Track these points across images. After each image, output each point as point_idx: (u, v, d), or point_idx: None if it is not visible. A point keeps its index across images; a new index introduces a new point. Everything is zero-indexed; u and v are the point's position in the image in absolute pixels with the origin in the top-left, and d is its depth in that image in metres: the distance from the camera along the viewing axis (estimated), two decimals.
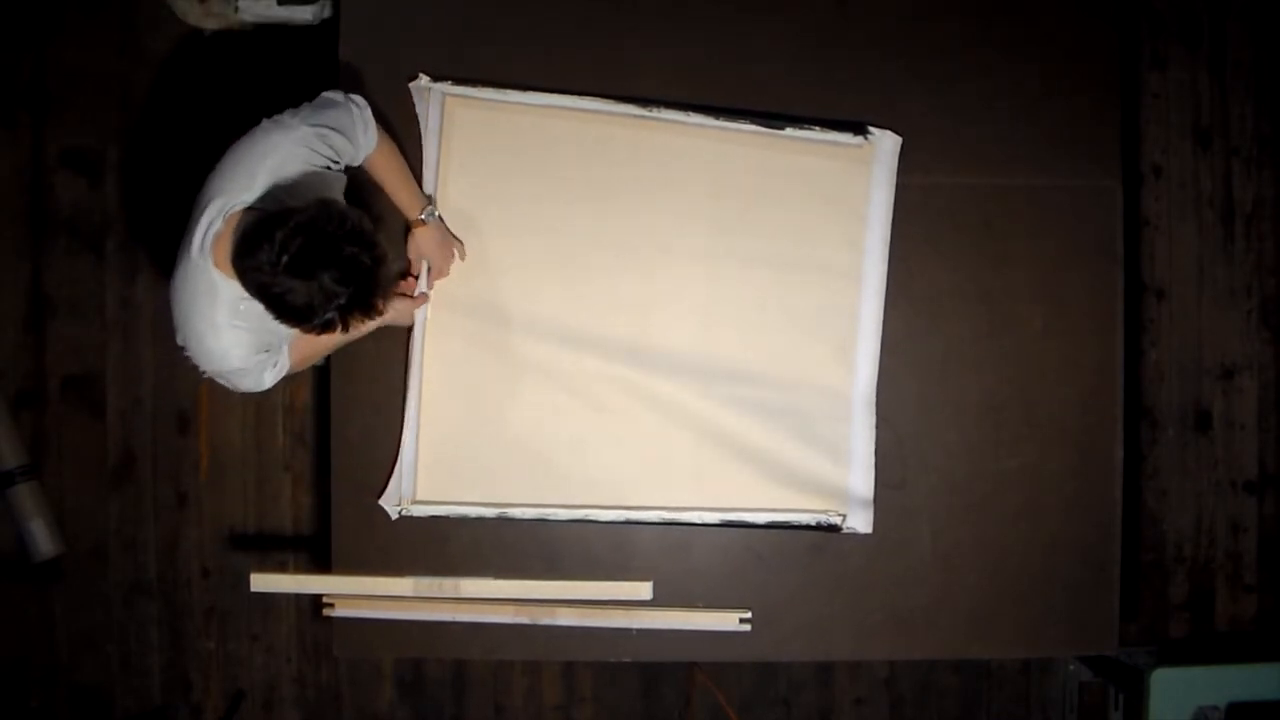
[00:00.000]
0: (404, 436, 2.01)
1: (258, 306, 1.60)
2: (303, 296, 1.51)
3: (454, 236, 2.00)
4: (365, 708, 2.86)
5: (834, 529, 2.03)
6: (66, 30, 2.78)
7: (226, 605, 2.82)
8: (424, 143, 2.01)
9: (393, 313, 1.91)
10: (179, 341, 1.71)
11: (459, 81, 2.00)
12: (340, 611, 2.00)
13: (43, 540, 2.72)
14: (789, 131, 2.03)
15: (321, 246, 1.50)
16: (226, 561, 2.81)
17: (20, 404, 2.78)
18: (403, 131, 2.00)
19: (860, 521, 2.03)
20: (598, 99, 2.02)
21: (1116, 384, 2.08)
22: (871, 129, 2.03)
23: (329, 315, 1.54)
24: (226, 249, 1.60)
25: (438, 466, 2.03)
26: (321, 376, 2.72)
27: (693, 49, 2.06)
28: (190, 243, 1.65)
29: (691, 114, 2.02)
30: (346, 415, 2.05)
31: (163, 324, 2.79)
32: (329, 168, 1.74)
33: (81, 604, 2.80)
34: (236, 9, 2.64)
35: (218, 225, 1.62)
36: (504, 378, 2.03)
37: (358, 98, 1.79)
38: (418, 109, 2.01)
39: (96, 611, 2.81)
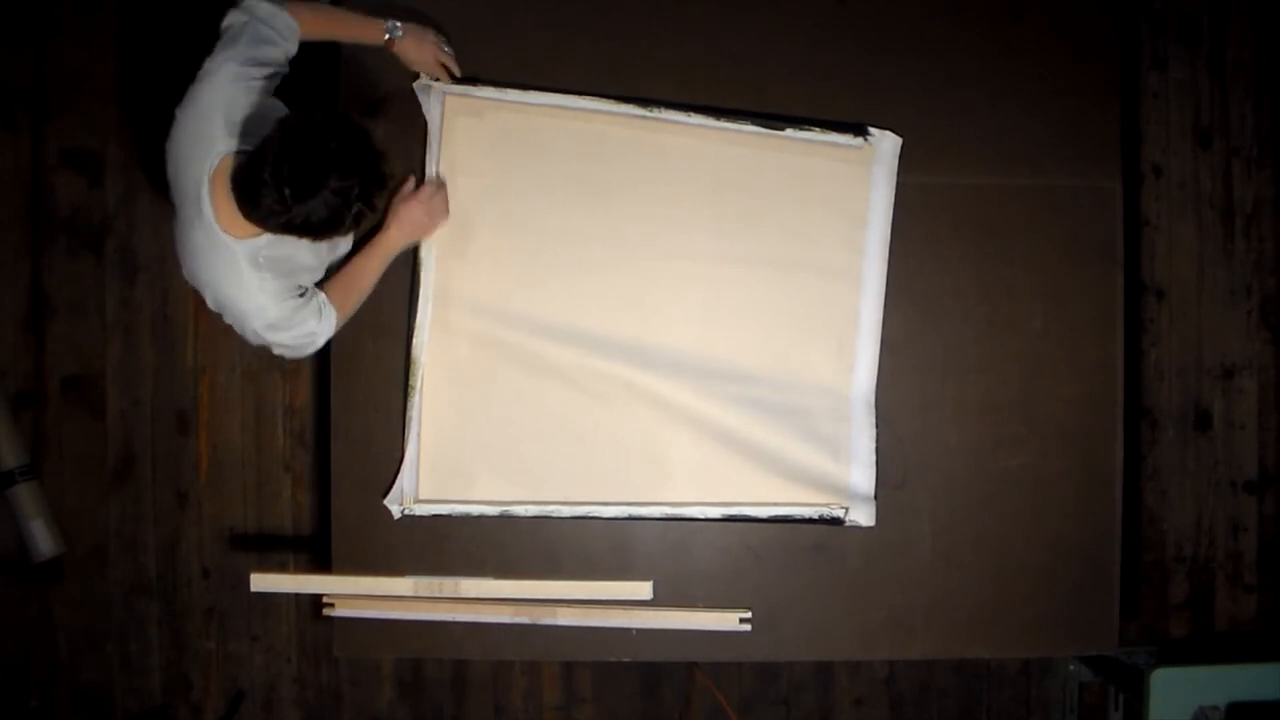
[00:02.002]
0: (406, 436, 2.02)
1: (275, 253, 1.64)
2: (323, 210, 1.53)
3: (433, 33, 1.95)
4: (365, 708, 2.86)
5: (836, 522, 2.03)
6: (66, 30, 2.78)
7: (226, 605, 2.82)
8: (425, 142, 2.01)
9: (414, 220, 1.93)
10: (212, 308, 1.74)
11: (459, 81, 2.00)
12: (340, 611, 2.00)
13: (43, 540, 2.72)
14: (789, 132, 2.03)
15: (309, 158, 1.51)
16: (226, 561, 2.81)
17: (20, 404, 2.78)
18: (403, 131, 2.01)
19: (862, 515, 2.03)
20: (598, 99, 2.02)
21: (1116, 384, 2.08)
22: (871, 130, 2.03)
23: (356, 209, 1.56)
24: (227, 209, 1.61)
25: (439, 465, 2.03)
26: (321, 376, 2.72)
27: (693, 49, 2.06)
28: (186, 217, 1.66)
29: (692, 114, 2.02)
30: (346, 415, 2.05)
31: (163, 324, 2.80)
32: (275, 75, 1.75)
33: (81, 604, 2.80)
34: None
35: (206, 189, 1.63)
36: (505, 376, 2.03)
37: (250, 4, 1.76)
38: (422, 108, 2.01)
39: (96, 611, 2.81)
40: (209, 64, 1.71)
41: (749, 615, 2.03)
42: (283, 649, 2.84)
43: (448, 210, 2.00)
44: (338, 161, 1.52)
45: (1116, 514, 2.08)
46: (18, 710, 2.80)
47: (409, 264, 2.01)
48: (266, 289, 1.70)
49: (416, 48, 1.92)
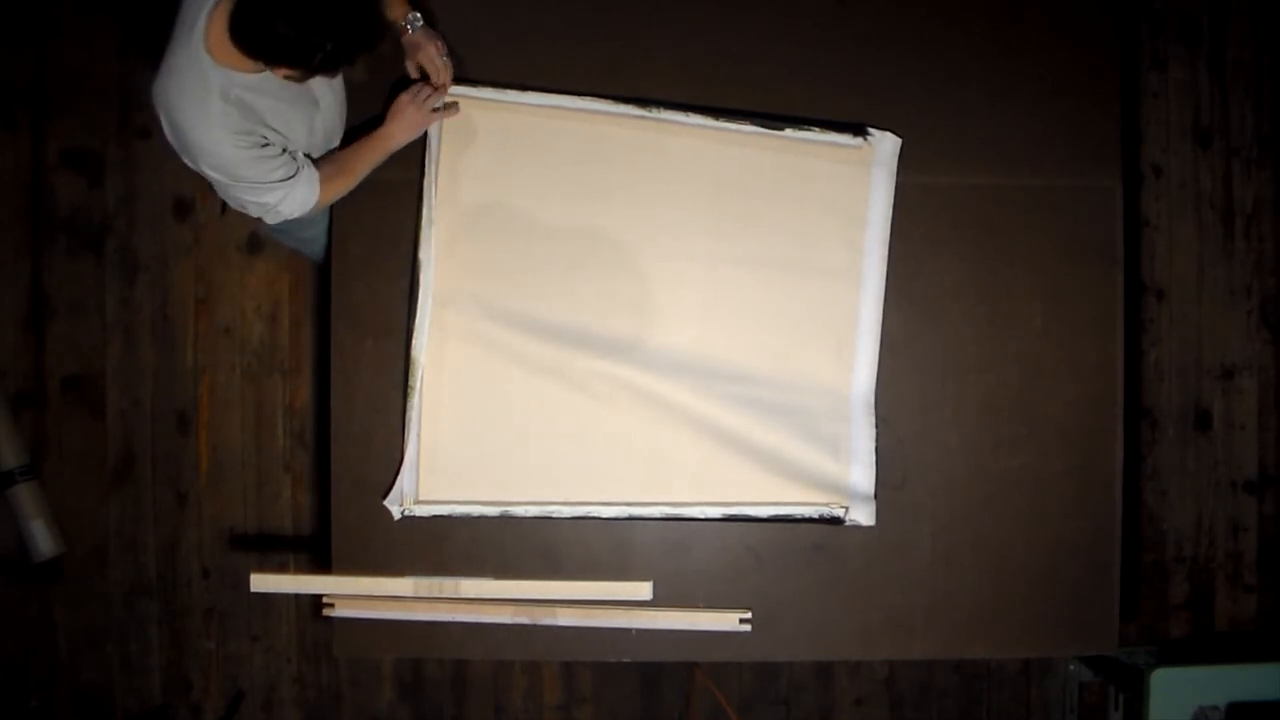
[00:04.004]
0: (406, 436, 2.02)
1: (248, 97, 1.63)
2: (301, 22, 1.52)
3: (440, 37, 1.94)
4: (365, 708, 2.86)
5: (837, 521, 2.03)
6: (66, 30, 2.78)
7: (226, 605, 2.82)
8: (426, 142, 2.01)
9: (412, 115, 1.92)
10: (169, 139, 1.71)
11: (459, 81, 2.00)
12: (340, 611, 2.00)
13: (43, 540, 2.72)
14: (789, 132, 2.03)
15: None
16: (226, 562, 2.81)
17: (20, 404, 2.78)
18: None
19: (863, 514, 2.03)
20: (598, 99, 2.02)
21: (1116, 384, 2.08)
22: (871, 130, 2.03)
23: (330, 45, 1.54)
24: (219, 33, 1.59)
25: (439, 466, 2.03)
26: (321, 376, 2.72)
27: (693, 49, 2.06)
28: (176, 38, 1.65)
29: (691, 114, 2.02)
30: (347, 415, 2.05)
31: (163, 324, 2.79)
32: None
33: (81, 604, 2.81)
34: None
35: (206, 12, 1.62)
36: (505, 376, 2.03)
37: None
38: None
39: (96, 611, 2.81)
40: None
41: (749, 615, 2.03)
42: (283, 649, 2.85)
43: (434, 114, 1.97)
44: None
45: (1116, 514, 2.08)
46: (18, 710, 2.80)
47: (409, 264, 2.01)
48: (228, 123, 1.66)
49: (424, 42, 1.92)
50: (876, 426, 2.04)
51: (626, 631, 2.01)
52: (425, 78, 1.95)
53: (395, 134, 1.93)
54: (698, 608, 2.05)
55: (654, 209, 2.04)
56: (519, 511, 2.02)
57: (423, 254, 2.01)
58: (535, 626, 1.99)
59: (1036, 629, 2.09)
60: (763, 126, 2.02)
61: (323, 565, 2.17)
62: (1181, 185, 2.91)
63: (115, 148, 2.79)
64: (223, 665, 2.84)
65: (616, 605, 1.98)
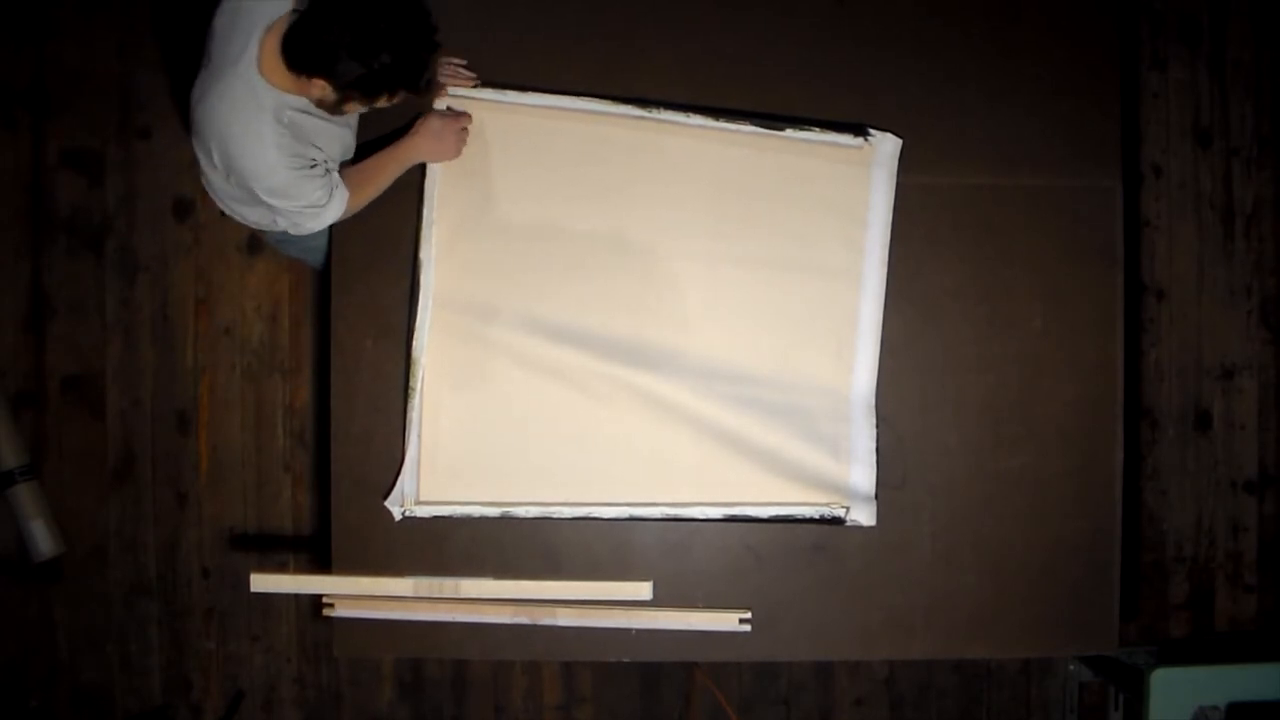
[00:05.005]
0: (406, 437, 2.02)
1: (299, 119, 1.64)
2: (354, 38, 1.54)
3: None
4: (365, 708, 2.86)
5: (837, 521, 2.03)
6: (66, 30, 2.78)
7: (226, 605, 2.82)
8: None
9: (444, 139, 1.95)
10: (218, 163, 1.73)
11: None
12: (340, 611, 2.00)
13: (43, 540, 2.72)
14: (789, 133, 2.03)
15: (381, 6, 1.54)
16: (226, 562, 2.81)
17: (20, 404, 2.78)
18: (403, 131, 2.00)
19: (863, 515, 2.03)
20: (598, 100, 2.02)
21: (1116, 384, 2.08)
22: (871, 130, 2.03)
23: (378, 65, 1.56)
24: (273, 58, 1.62)
25: (440, 467, 2.03)
26: (321, 376, 2.72)
27: (692, 49, 2.06)
28: (224, 60, 1.66)
29: (691, 115, 2.02)
30: (347, 415, 2.05)
31: (163, 324, 2.79)
32: None
33: (81, 604, 2.80)
34: None
35: (258, 37, 1.64)
36: (505, 377, 2.03)
37: None
38: None
39: (96, 611, 2.81)
40: None
41: (749, 615, 2.03)
42: (283, 649, 2.85)
43: (462, 149, 2.00)
44: (400, 22, 1.55)
45: (1116, 514, 2.08)
46: (18, 710, 2.80)
47: (409, 264, 2.01)
48: (282, 145, 1.69)
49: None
50: (877, 426, 2.04)
51: (626, 631, 2.01)
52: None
53: (420, 146, 1.95)
54: (698, 608, 2.05)
55: (654, 209, 2.04)
56: (519, 512, 2.02)
57: (423, 254, 2.01)
58: (535, 626, 1.99)
59: (1036, 629, 2.09)
60: (763, 127, 2.02)
61: (323, 565, 2.18)
62: (1181, 185, 2.90)
63: (115, 148, 2.79)
64: (223, 665, 2.84)
65: (616, 605, 1.98)
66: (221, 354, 2.82)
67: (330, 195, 1.81)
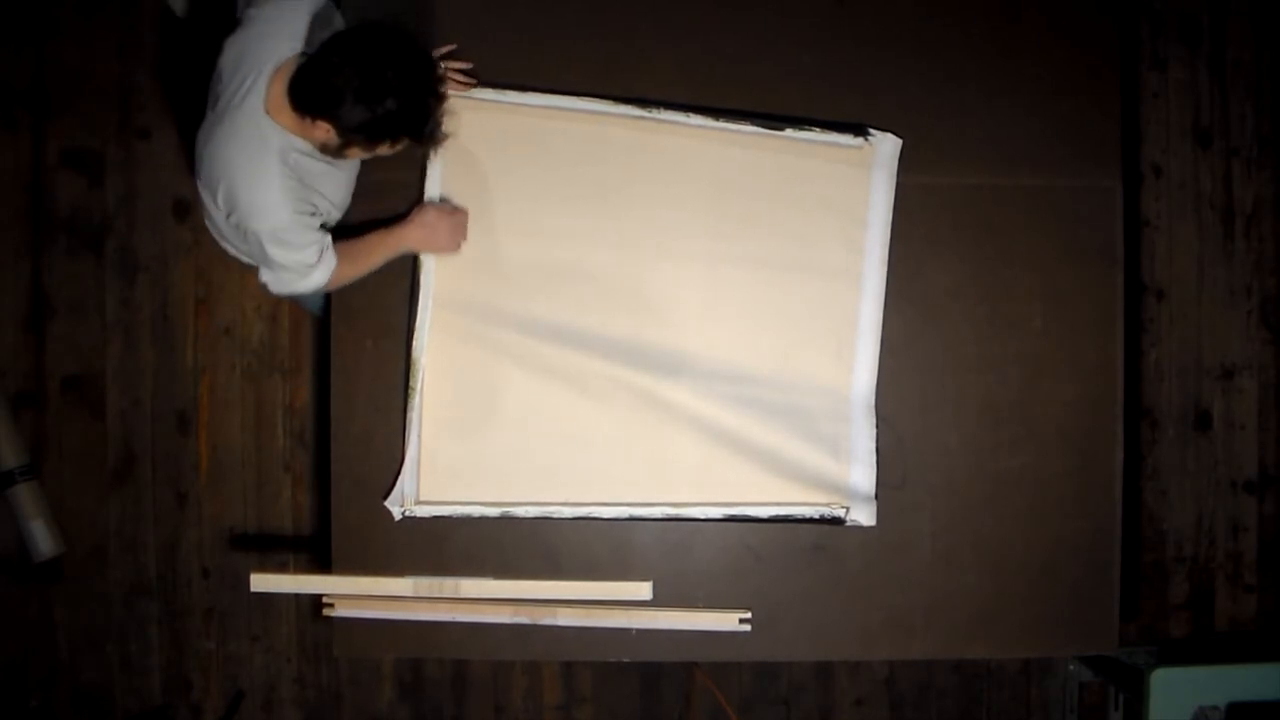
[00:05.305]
0: (407, 437, 2.02)
1: (303, 162, 1.64)
2: (360, 84, 1.55)
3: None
4: (365, 708, 2.86)
5: (837, 521, 2.03)
6: (66, 30, 2.78)
7: (226, 605, 2.82)
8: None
9: (436, 230, 1.94)
10: (221, 204, 1.72)
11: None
12: (340, 611, 2.00)
13: (43, 540, 2.72)
14: (789, 133, 2.03)
15: (392, 51, 1.57)
16: (226, 561, 2.81)
17: (20, 404, 2.78)
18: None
19: (863, 514, 2.03)
20: (597, 100, 2.02)
21: (1116, 384, 2.08)
22: (871, 130, 2.03)
23: (383, 110, 1.58)
24: (279, 96, 1.63)
25: (440, 467, 2.03)
26: (321, 376, 2.72)
27: (692, 49, 2.06)
28: (232, 100, 1.67)
29: (691, 115, 2.02)
30: (347, 415, 2.05)
31: (163, 324, 2.79)
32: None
33: (81, 604, 2.80)
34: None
35: (266, 76, 1.65)
36: (505, 377, 2.03)
37: None
38: None
39: (96, 611, 2.81)
40: None
41: (749, 615, 2.03)
42: (283, 649, 2.85)
43: (460, 244, 1.99)
44: (406, 73, 1.58)
45: (1116, 514, 2.08)
46: (18, 710, 2.80)
47: (409, 265, 2.01)
48: (286, 188, 1.69)
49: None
50: (877, 426, 2.04)
51: (626, 631, 2.01)
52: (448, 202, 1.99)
53: (412, 235, 1.94)
54: (698, 608, 2.05)
55: (654, 209, 2.04)
56: (519, 512, 2.02)
57: (423, 255, 2.01)
58: (535, 626, 1.99)
59: (1036, 629, 2.09)
60: (763, 127, 2.02)
61: (323, 565, 2.17)
62: (1181, 185, 2.90)
63: (115, 148, 2.79)
64: (223, 665, 2.84)
65: (616, 605, 1.98)
66: (221, 354, 2.82)
67: (320, 257, 1.80)
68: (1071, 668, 2.88)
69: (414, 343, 2.01)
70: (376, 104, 1.57)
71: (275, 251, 1.75)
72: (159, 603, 2.82)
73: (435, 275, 2.01)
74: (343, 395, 2.04)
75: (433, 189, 2.01)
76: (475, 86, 1.99)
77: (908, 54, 2.07)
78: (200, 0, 2.61)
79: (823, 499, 2.04)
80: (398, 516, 2.02)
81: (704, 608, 2.05)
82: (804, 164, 2.04)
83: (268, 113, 1.65)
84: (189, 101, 1.77)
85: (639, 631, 2.02)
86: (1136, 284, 2.87)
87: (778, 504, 2.03)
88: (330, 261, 1.83)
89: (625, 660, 2.37)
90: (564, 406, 2.02)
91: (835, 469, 2.04)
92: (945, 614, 2.07)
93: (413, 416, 2.01)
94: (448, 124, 1.76)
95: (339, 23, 1.81)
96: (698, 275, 2.04)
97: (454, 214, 1.97)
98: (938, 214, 2.07)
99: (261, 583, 1.92)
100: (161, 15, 2.74)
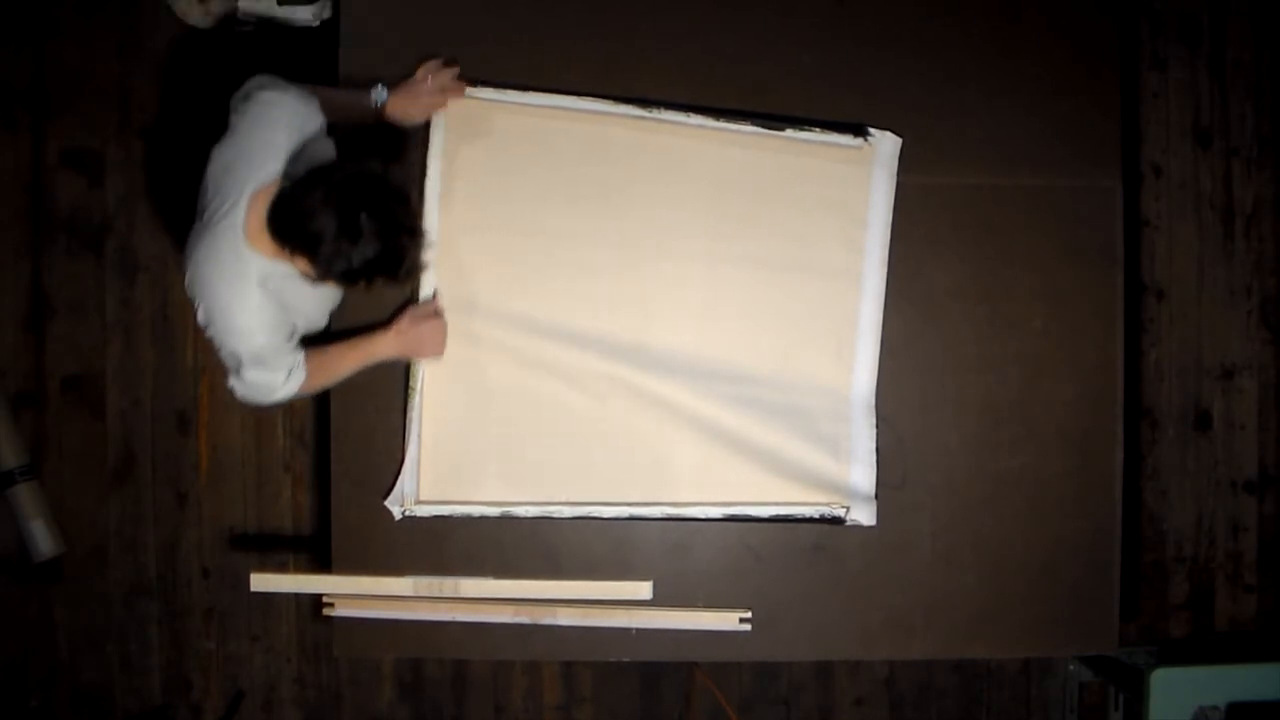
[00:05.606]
0: (407, 437, 2.01)
1: (286, 282, 1.63)
2: (336, 232, 1.53)
3: (420, 83, 1.95)
4: (365, 708, 2.86)
5: (838, 521, 2.03)
6: (66, 30, 2.78)
7: (226, 605, 2.82)
8: (426, 143, 2.01)
9: (413, 337, 1.94)
10: (200, 320, 1.72)
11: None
12: (340, 611, 2.00)
13: (43, 540, 2.72)
14: (789, 133, 2.03)
15: (368, 192, 1.55)
16: (226, 561, 2.81)
17: (20, 404, 2.78)
18: (403, 133, 2.00)
19: (863, 514, 2.03)
20: (598, 99, 2.02)
21: (1116, 384, 2.08)
22: (871, 130, 2.03)
23: (360, 258, 1.56)
24: (259, 217, 1.61)
25: (440, 466, 2.03)
26: None
27: (692, 49, 2.06)
28: (214, 217, 1.66)
29: (691, 115, 2.02)
30: (347, 415, 2.05)
31: (163, 324, 2.79)
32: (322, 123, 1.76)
33: (81, 604, 2.80)
34: (236, 9, 2.64)
35: (245, 200, 1.64)
36: (505, 377, 2.03)
37: (282, 80, 1.79)
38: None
39: (96, 611, 2.81)
40: (270, 88, 1.73)
41: (749, 615, 2.03)
42: (283, 649, 2.85)
43: (442, 349, 1.99)
44: (383, 216, 1.55)
45: (1116, 514, 2.08)
46: (18, 710, 2.80)
47: None
48: (264, 313, 1.69)
49: (406, 104, 1.93)
50: (877, 426, 2.04)
51: (626, 631, 2.02)
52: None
53: (389, 347, 1.94)
54: (698, 608, 2.05)
55: (654, 209, 2.04)
56: (519, 512, 2.02)
57: (423, 254, 2.01)
58: (535, 626, 1.99)
59: (1036, 629, 2.09)
60: (763, 127, 2.02)
61: (323, 565, 2.18)
62: (1181, 185, 2.90)
63: (115, 148, 2.79)
64: (223, 665, 2.83)
65: (616, 605, 1.98)
66: None
67: (289, 376, 1.80)
68: (1071, 668, 2.88)
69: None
70: (353, 252, 1.55)
71: (248, 370, 1.75)
72: (159, 603, 2.82)
73: (435, 275, 2.01)
74: (342, 395, 2.04)
75: (432, 188, 2.01)
76: (471, 86, 1.99)
77: (908, 54, 2.07)
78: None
79: (823, 499, 2.04)
80: (398, 516, 2.02)
81: (704, 608, 2.05)
82: (804, 164, 2.04)
83: (247, 239, 1.64)
84: (181, 210, 1.76)
85: (639, 631, 2.02)
86: (1136, 284, 2.87)
87: (778, 504, 2.03)
88: (299, 378, 1.82)
89: (625, 660, 2.38)
90: (564, 406, 2.02)
91: (835, 469, 2.04)
92: (945, 614, 2.07)
93: (413, 416, 2.01)
94: (425, 256, 1.74)
95: (322, 146, 1.76)
96: (698, 275, 2.04)
97: (431, 320, 1.97)
98: (938, 214, 2.07)
99: (261, 583, 1.92)
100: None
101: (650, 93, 2.03)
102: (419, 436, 2.02)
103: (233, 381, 1.80)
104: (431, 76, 1.95)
